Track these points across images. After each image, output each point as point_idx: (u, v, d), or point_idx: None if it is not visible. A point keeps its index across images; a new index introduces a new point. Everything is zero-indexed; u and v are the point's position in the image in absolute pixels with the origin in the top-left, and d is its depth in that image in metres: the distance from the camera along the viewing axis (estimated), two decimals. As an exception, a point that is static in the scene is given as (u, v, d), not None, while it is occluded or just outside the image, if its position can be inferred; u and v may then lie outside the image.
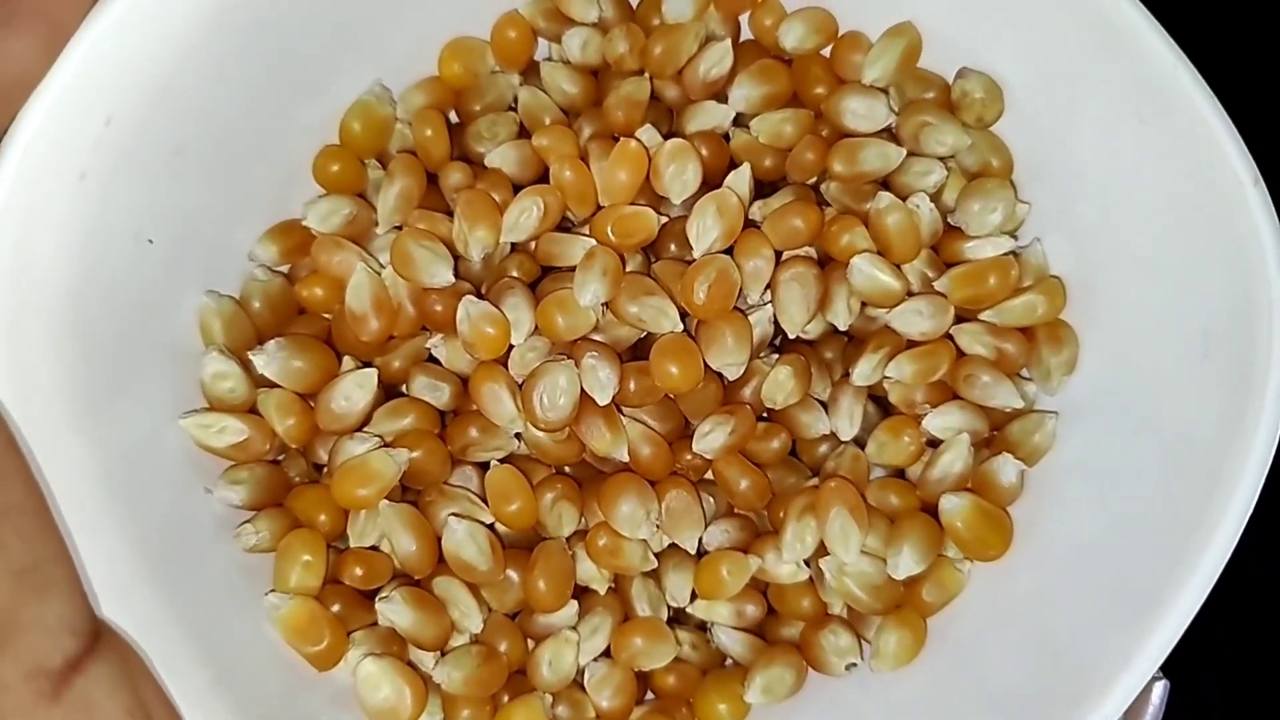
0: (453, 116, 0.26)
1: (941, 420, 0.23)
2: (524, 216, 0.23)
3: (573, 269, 0.23)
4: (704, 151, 0.24)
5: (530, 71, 0.25)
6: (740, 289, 0.23)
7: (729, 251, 0.23)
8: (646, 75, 0.24)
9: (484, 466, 0.24)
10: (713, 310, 0.22)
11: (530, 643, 0.23)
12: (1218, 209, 0.20)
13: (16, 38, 0.19)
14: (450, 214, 0.24)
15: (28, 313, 0.20)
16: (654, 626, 0.23)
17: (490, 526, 0.23)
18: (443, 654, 0.23)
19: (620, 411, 0.23)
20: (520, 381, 0.23)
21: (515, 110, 0.25)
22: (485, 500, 0.23)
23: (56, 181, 0.20)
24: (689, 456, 0.23)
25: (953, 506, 0.22)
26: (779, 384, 0.23)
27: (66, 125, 0.20)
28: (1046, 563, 0.23)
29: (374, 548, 0.23)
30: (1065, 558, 0.23)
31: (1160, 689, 0.23)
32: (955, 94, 0.24)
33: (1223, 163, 0.20)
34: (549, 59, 0.25)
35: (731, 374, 0.23)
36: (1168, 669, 0.21)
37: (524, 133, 0.25)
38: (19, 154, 0.19)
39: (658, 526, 0.23)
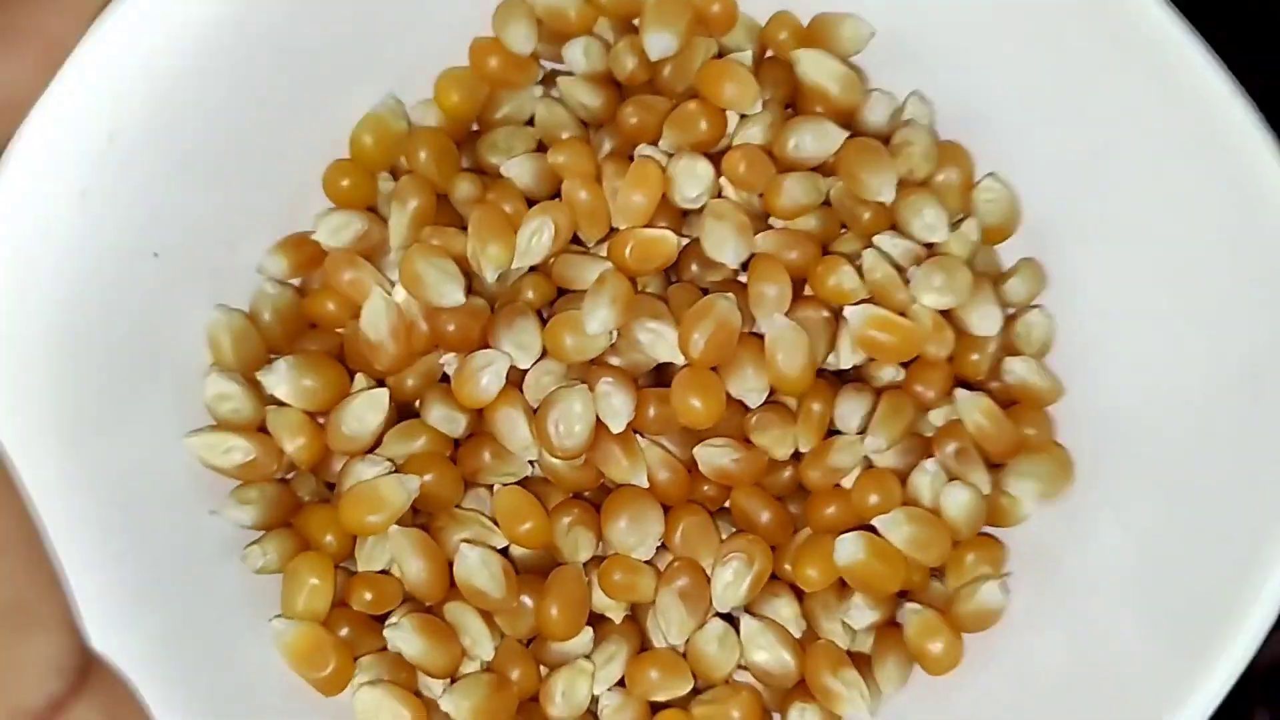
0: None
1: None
2: (535, 239, 0.23)
3: (585, 291, 0.22)
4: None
5: (550, 83, 0.24)
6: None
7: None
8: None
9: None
10: (708, 362, 0.22)
11: (543, 670, 0.23)
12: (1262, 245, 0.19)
13: (12, 57, 0.18)
14: (463, 227, 0.23)
15: (25, 332, 0.20)
16: (670, 658, 0.22)
17: (504, 550, 0.22)
18: (452, 681, 0.22)
19: (639, 434, 0.23)
20: (535, 406, 0.22)
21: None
22: (497, 522, 0.22)
23: (56, 200, 0.20)
24: (705, 488, 0.23)
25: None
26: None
27: (66, 143, 0.20)
28: (1083, 609, 0.22)
29: (384, 571, 0.23)
30: (1103, 599, 0.22)
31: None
32: (896, 139, 0.23)
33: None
34: (568, 74, 0.24)
35: (753, 401, 0.22)
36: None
37: (542, 145, 0.24)
38: (16, 174, 0.19)
39: (662, 545, 0.22)
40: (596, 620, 0.23)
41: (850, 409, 0.22)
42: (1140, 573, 0.22)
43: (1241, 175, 0.19)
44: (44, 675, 0.17)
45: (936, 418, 0.23)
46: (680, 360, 0.22)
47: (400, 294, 0.23)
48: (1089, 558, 0.23)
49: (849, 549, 0.22)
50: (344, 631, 0.22)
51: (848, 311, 0.22)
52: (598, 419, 0.22)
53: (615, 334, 0.22)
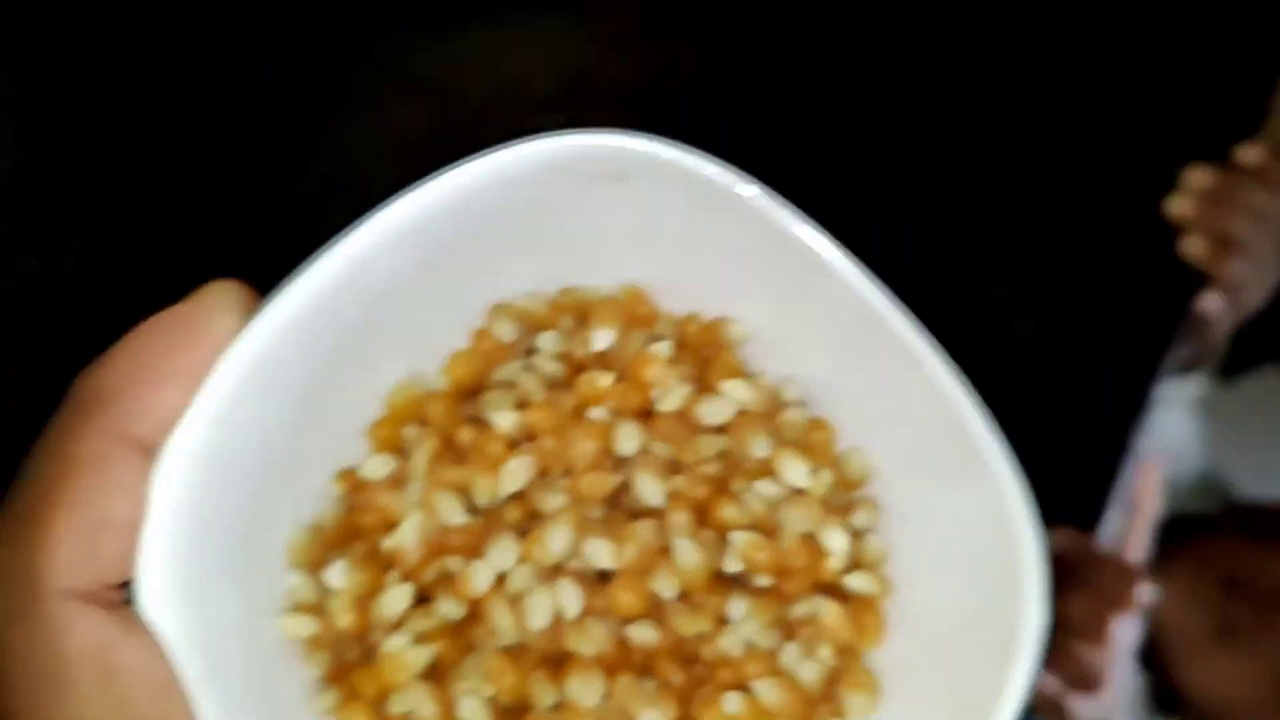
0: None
1: None
2: (517, 473, 0.32)
3: (551, 515, 0.31)
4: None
5: (529, 357, 0.34)
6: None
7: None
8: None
9: (488, 650, 0.32)
10: (636, 569, 0.31)
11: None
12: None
13: (173, 389, 0.28)
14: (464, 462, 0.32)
15: (170, 534, 0.29)
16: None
17: (492, 698, 0.32)
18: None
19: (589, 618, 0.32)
20: (514, 597, 0.31)
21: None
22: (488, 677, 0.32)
23: (196, 459, 0.29)
24: (634, 656, 0.32)
25: None
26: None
27: (206, 430, 0.29)
28: None
29: (407, 713, 0.32)
30: None
31: None
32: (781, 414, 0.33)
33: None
34: (541, 351, 0.34)
35: (667, 595, 0.31)
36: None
37: (522, 404, 0.33)
38: (175, 450, 0.28)
39: (605, 698, 0.31)
40: (557, 751, 0.32)
41: (737, 606, 0.32)
42: None
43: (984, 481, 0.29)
44: None
45: (799, 609, 0.32)
46: (615, 566, 0.32)
47: (419, 515, 0.32)
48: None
49: (732, 704, 0.31)
50: (379, 758, 0.32)
51: (732, 536, 0.31)
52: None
53: (569, 548, 0.32)
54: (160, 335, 0.29)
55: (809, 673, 0.31)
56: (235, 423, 0.29)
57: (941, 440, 0.30)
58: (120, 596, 0.29)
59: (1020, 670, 0.28)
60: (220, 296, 0.29)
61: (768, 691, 0.31)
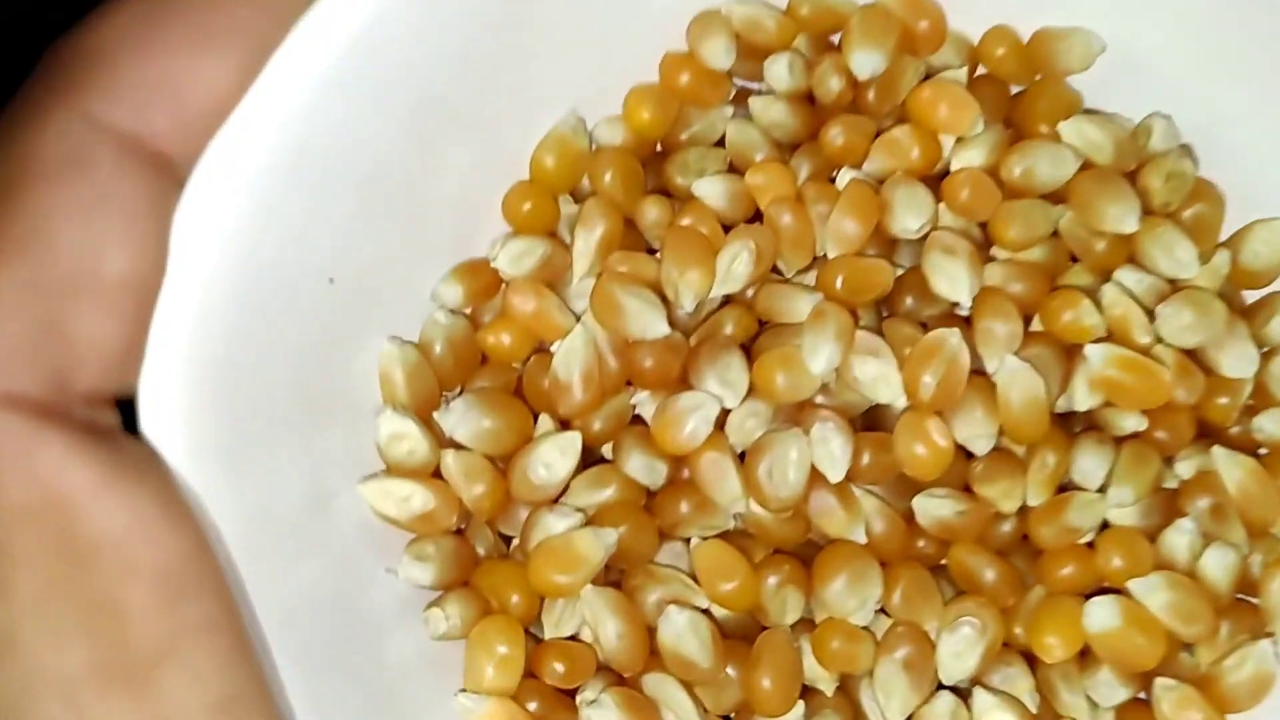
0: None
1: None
2: (736, 263, 0.21)
3: (794, 325, 0.20)
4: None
5: (741, 102, 0.22)
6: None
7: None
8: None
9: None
10: (937, 405, 0.20)
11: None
12: None
13: (211, 60, 0.16)
14: (650, 252, 0.21)
15: (191, 355, 0.17)
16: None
17: (705, 611, 0.20)
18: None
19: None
20: (741, 453, 0.20)
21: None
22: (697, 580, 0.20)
23: (240, 216, 0.17)
24: (921, 543, 0.20)
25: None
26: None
27: (258, 157, 0.17)
28: None
29: (573, 636, 0.20)
30: None
31: None
32: (1148, 169, 0.22)
33: None
34: (760, 92, 0.22)
35: (980, 448, 0.20)
36: None
37: (733, 167, 0.22)
38: (203, 184, 0.17)
39: (881, 610, 0.20)
40: (805, 693, 0.21)
41: (1093, 462, 0.20)
42: None
43: None
44: None
45: (1185, 467, 0.21)
46: (901, 403, 0.20)
47: (588, 322, 0.21)
48: None
49: (1103, 615, 0.19)
50: (533, 706, 0.20)
51: (1089, 350, 0.20)
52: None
53: (829, 371, 0.20)
54: None
55: (1217, 565, 0.20)
56: (309, 147, 0.18)
57: None
58: (106, 419, 0.17)
59: None
60: None
61: (1155, 594, 0.20)
